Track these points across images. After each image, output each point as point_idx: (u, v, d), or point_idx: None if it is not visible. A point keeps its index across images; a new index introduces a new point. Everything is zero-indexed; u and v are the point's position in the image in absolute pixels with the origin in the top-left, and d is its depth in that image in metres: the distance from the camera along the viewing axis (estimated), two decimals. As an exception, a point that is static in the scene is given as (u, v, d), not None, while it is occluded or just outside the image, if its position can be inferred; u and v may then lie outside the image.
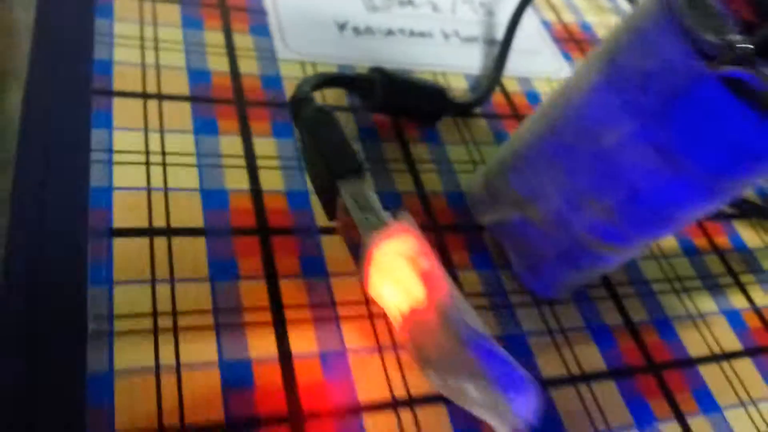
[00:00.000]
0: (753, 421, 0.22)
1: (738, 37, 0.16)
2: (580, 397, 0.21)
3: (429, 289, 0.15)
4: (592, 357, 0.22)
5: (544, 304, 0.23)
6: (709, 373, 0.23)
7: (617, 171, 0.18)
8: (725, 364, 0.23)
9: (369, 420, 0.18)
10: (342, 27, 0.30)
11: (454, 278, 0.22)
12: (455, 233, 0.24)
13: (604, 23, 0.37)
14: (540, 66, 0.33)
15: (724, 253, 0.27)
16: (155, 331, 0.18)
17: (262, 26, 0.28)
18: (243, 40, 0.27)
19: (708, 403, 0.22)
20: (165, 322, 0.18)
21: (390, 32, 0.31)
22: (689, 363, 0.23)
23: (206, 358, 0.18)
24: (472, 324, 0.15)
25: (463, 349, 0.15)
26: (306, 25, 0.29)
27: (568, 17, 0.36)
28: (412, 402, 0.18)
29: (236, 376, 0.17)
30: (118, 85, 0.23)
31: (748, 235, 0.28)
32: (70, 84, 0.22)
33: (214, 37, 0.26)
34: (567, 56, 0.34)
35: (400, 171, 0.25)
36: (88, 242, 0.18)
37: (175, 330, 0.18)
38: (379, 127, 0.26)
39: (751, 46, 0.16)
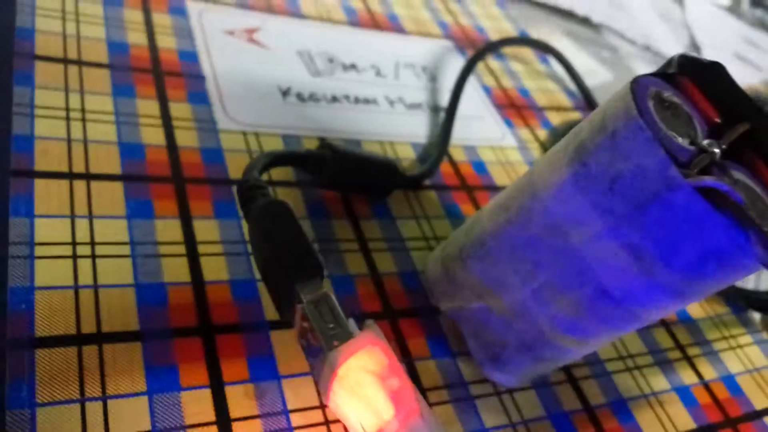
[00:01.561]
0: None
1: (709, 142, 0.16)
2: (547, 498, 0.20)
3: (399, 410, 0.14)
4: (555, 450, 0.21)
5: (505, 393, 0.22)
6: (668, 458, 0.23)
7: (585, 267, 0.18)
8: (682, 447, 0.23)
9: None
10: (285, 93, 0.29)
11: (412, 368, 0.21)
12: (411, 318, 0.23)
13: (541, 88, 0.38)
14: (483, 133, 0.32)
15: (670, 326, 0.28)
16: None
17: (201, 94, 0.26)
18: (180, 110, 0.25)
19: (669, 491, 0.22)
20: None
21: (335, 99, 0.30)
22: (648, 448, 0.23)
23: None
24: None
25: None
26: (247, 92, 0.28)
27: (507, 82, 0.37)
28: None
29: None
30: (40, 164, 0.21)
31: (692, 307, 0.29)
32: (-17, 164, 0.20)
33: (147, 106, 0.25)
34: (509, 123, 0.34)
35: (352, 251, 0.24)
36: (5, 354, 0.16)
37: (109, 458, 0.16)
38: (328, 204, 0.25)
39: (720, 150, 0.16)
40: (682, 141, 0.16)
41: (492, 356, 0.21)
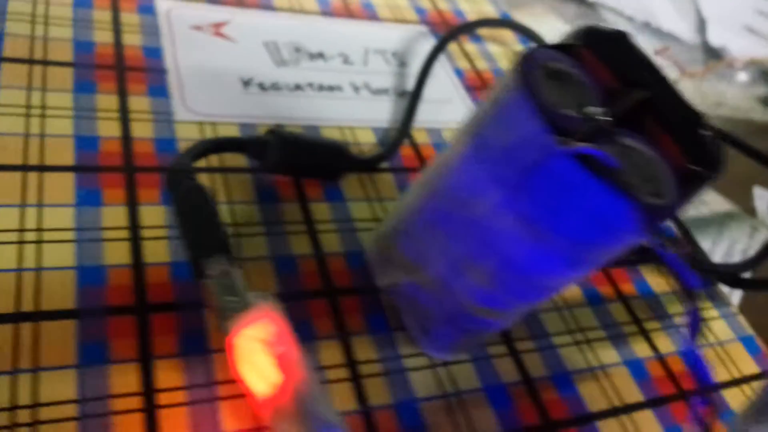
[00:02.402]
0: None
1: (598, 109, 0.16)
2: (472, 465, 0.20)
3: (286, 376, 0.15)
4: (486, 419, 0.22)
5: (441, 366, 0.22)
6: (608, 428, 0.23)
7: (489, 239, 0.18)
8: (624, 418, 0.23)
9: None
10: (247, 84, 0.30)
11: (347, 343, 0.22)
12: (352, 296, 0.23)
13: (518, 68, 0.38)
14: (450, 115, 0.33)
15: (629, 301, 0.27)
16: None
17: (161, 87, 0.28)
18: (139, 103, 0.26)
19: (606, 461, 0.22)
20: (24, 417, 0.17)
21: (298, 87, 0.31)
22: (587, 419, 0.23)
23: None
24: (325, 412, 0.14)
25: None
26: (208, 84, 0.29)
27: (482, 65, 0.37)
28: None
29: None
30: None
31: (655, 281, 0.29)
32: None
33: (107, 100, 0.26)
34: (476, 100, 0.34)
35: (299, 232, 0.25)
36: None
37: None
38: (280, 188, 0.26)
39: (610, 118, 0.16)
40: (568, 110, 0.16)
41: (423, 330, 0.22)
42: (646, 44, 0.51)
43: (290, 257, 0.24)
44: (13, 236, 0.20)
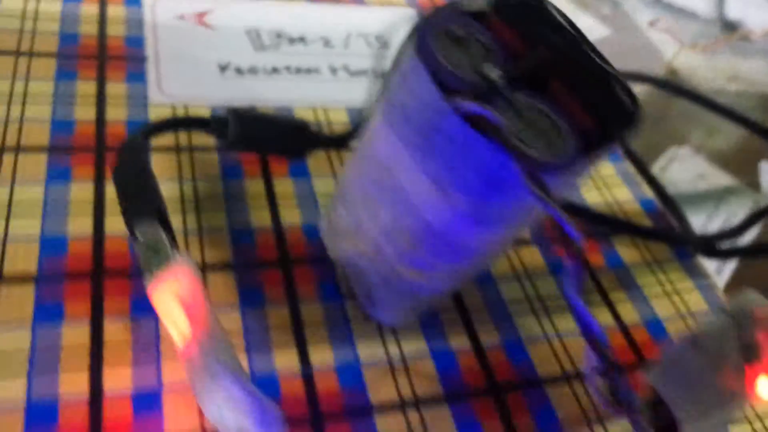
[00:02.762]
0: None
1: (494, 70, 0.17)
2: (407, 423, 0.21)
3: (194, 327, 0.16)
4: (429, 382, 0.22)
5: (389, 332, 0.23)
6: (557, 394, 0.23)
7: (409, 201, 0.19)
8: (577, 384, 0.23)
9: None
10: (224, 68, 0.31)
11: (296, 311, 0.23)
12: (306, 266, 0.24)
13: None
14: (427, 94, 0.33)
15: (596, 271, 0.27)
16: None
17: (139, 73, 0.29)
18: (116, 88, 0.28)
19: (550, 424, 0.22)
20: (-22, 368, 0.19)
21: (275, 70, 0.32)
22: (536, 383, 0.23)
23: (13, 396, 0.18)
24: (228, 362, 0.15)
25: (215, 385, 0.15)
26: (185, 69, 0.30)
27: (467, 43, 0.37)
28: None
29: (42, 415, 0.18)
30: (-25, 140, 0.24)
31: (628, 252, 0.28)
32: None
33: (86, 87, 0.28)
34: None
35: (260, 207, 0.26)
36: None
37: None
38: (245, 165, 0.27)
39: (506, 78, 0.17)
40: (464, 71, 0.17)
41: (368, 296, 0.22)
42: (648, 17, 0.50)
43: (248, 230, 0.25)
44: None
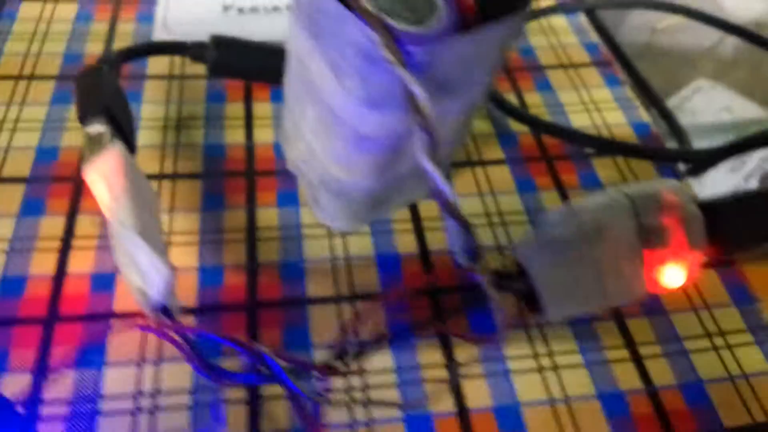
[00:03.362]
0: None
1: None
2: (339, 313, 0.22)
3: (111, 199, 0.18)
4: (369, 279, 0.23)
5: (338, 237, 0.24)
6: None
7: (320, 92, 0.20)
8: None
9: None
10: (227, 8, 0.33)
11: (252, 215, 0.24)
12: (271, 177, 0.26)
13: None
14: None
15: (567, 190, 0.27)
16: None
17: (149, 15, 0.32)
18: (125, 28, 0.31)
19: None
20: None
21: (276, 8, 0.34)
22: (472, 287, 0.23)
23: None
24: (133, 228, 0.17)
25: (121, 247, 0.17)
26: (191, 10, 0.33)
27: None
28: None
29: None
30: (-6, 69, 0.28)
31: (605, 173, 0.27)
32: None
33: (99, 27, 0.31)
34: (461, 15, 0.34)
35: (236, 126, 0.28)
36: None
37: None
38: (230, 91, 0.29)
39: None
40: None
41: (314, 199, 0.24)
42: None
43: (221, 144, 0.27)
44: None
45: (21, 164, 0.25)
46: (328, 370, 0.14)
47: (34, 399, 0.19)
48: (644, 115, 0.30)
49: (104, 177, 0.19)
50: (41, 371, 0.20)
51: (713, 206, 0.18)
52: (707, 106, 0.35)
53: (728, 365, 0.22)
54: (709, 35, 0.40)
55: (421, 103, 0.15)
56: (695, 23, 0.40)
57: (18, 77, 0.28)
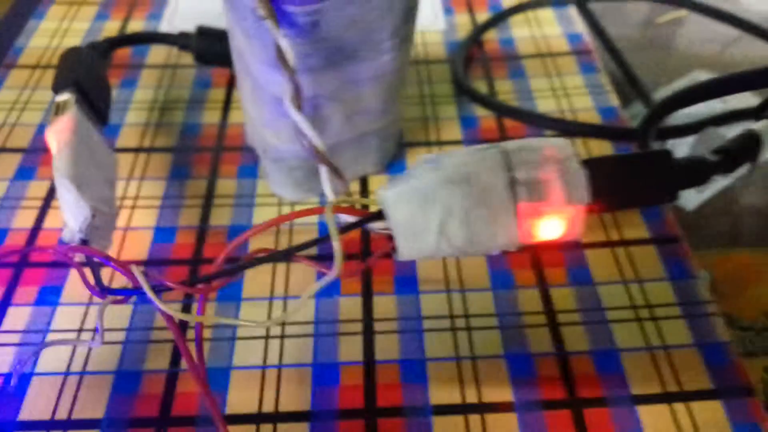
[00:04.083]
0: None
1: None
2: (273, 277, 0.24)
3: (56, 151, 0.21)
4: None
5: (287, 206, 0.26)
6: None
7: (248, 64, 0.22)
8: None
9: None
10: (229, 8, 0.36)
11: (213, 185, 0.27)
12: (236, 152, 0.28)
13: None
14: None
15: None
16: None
17: (158, 14, 0.35)
18: (135, 25, 0.35)
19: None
20: None
21: None
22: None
23: None
24: (65, 174, 0.20)
25: (58, 187, 0.20)
26: (195, 7, 0.36)
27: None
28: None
29: None
30: (16, 59, 0.32)
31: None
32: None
33: (113, 24, 0.35)
34: (449, 9, 0.36)
35: (214, 109, 0.30)
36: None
37: None
38: (215, 78, 0.32)
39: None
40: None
41: (265, 171, 0.26)
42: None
43: (197, 124, 0.29)
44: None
45: (22, 138, 0.28)
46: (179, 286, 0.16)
47: (-8, 328, 0.22)
48: (613, 100, 0.30)
49: (56, 134, 0.21)
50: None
51: (596, 163, 0.18)
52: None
53: (649, 336, 0.22)
54: (710, 28, 0.39)
55: (287, 55, 0.17)
56: (696, 17, 0.39)
57: (35, 67, 0.32)
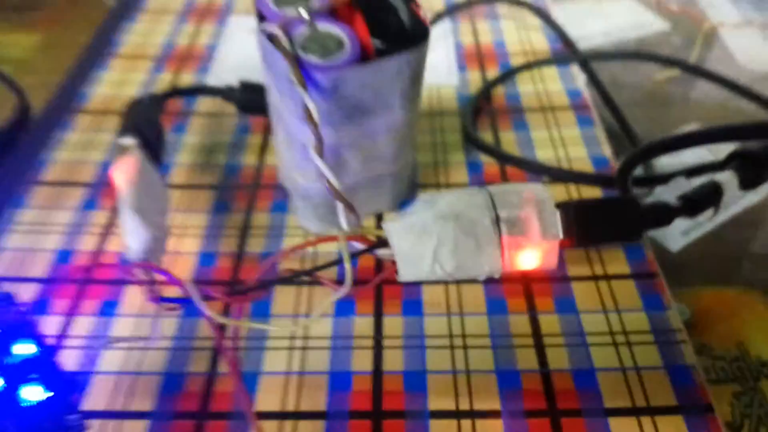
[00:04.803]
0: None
1: (305, 6, 0.23)
2: (298, 293, 0.27)
3: (121, 186, 0.25)
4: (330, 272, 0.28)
5: (312, 236, 0.30)
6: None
7: (281, 116, 0.26)
8: (453, 287, 0.27)
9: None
10: (268, 63, 0.41)
11: (249, 219, 0.31)
12: (269, 189, 0.32)
13: (521, 39, 0.42)
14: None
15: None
16: None
17: (207, 67, 0.40)
18: (186, 78, 0.39)
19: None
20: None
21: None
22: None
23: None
24: (130, 205, 0.24)
25: (121, 215, 0.24)
26: (238, 63, 0.41)
27: (486, 38, 0.42)
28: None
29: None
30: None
31: (558, 197, 0.31)
32: None
33: (166, 76, 0.40)
34: (463, 67, 0.40)
35: (252, 153, 0.34)
36: None
37: None
38: (254, 125, 0.36)
39: (308, 13, 0.23)
40: (278, 8, 0.23)
41: (294, 207, 0.30)
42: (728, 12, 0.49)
43: (237, 165, 0.34)
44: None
45: (87, 174, 0.33)
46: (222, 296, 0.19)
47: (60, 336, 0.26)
48: (606, 151, 0.33)
49: (121, 172, 0.26)
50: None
51: (567, 206, 0.22)
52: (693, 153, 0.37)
53: (623, 358, 0.25)
54: (706, 84, 0.42)
55: (312, 112, 0.21)
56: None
57: (98, 112, 0.37)
